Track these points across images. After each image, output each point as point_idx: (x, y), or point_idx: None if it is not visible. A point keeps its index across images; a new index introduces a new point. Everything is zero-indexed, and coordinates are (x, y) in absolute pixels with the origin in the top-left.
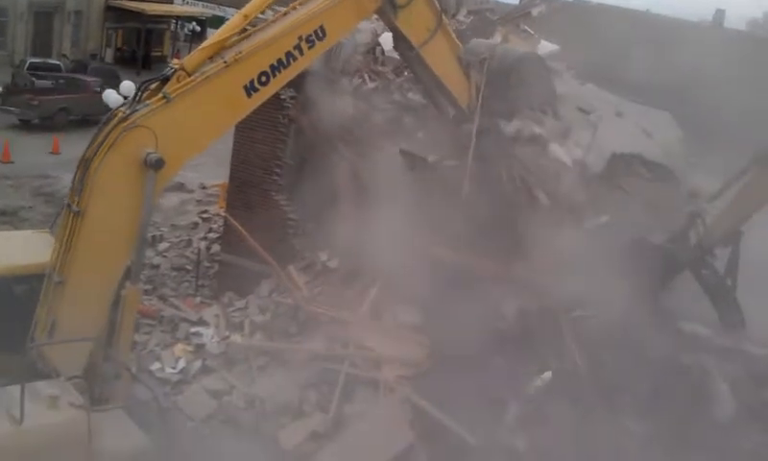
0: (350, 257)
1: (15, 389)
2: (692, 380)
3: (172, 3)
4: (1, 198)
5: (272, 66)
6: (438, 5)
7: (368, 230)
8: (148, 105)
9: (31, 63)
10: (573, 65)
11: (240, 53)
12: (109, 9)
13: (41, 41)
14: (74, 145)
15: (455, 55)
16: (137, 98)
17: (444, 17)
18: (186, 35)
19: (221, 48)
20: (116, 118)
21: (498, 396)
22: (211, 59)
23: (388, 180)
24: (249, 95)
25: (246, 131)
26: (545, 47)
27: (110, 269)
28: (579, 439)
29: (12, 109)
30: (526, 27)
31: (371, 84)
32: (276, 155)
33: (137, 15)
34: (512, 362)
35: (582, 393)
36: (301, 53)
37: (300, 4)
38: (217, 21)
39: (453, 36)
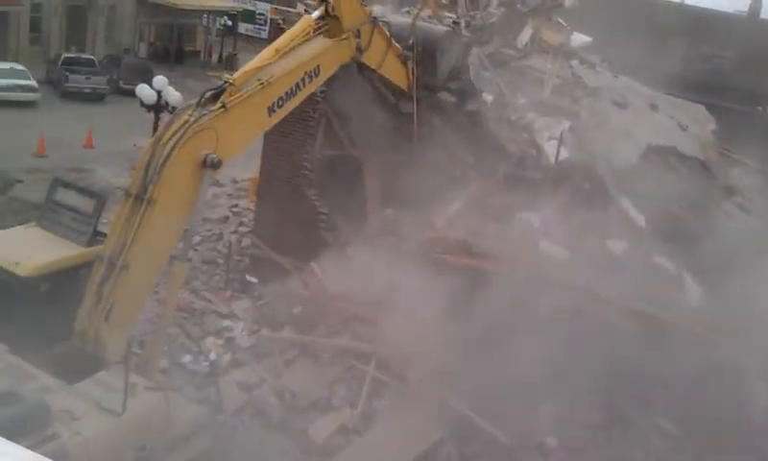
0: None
1: (83, 385)
2: (727, 380)
3: None
4: (34, 191)
5: (286, 93)
6: (387, 31)
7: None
8: (212, 110)
9: (65, 58)
10: (607, 57)
11: (272, 76)
12: (142, 3)
13: (75, 36)
14: (108, 139)
15: (396, 56)
16: (199, 103)
17: (389, 38)
18: (218, 29)
19: (258, 71)
20: (183, 120)
21: (531, 394)
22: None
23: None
24: (269, 114)
25: (276, 125)
26: (578, 39)
27: (165, 255)
28: (611, 440)
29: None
30: (559, 19)
31: None
32: (306, 149)
33: (170, 10)
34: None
35: (615, 393)
36: (304, 85)
37: (304, 43)
38: (248, 15)
39: (395, 45)
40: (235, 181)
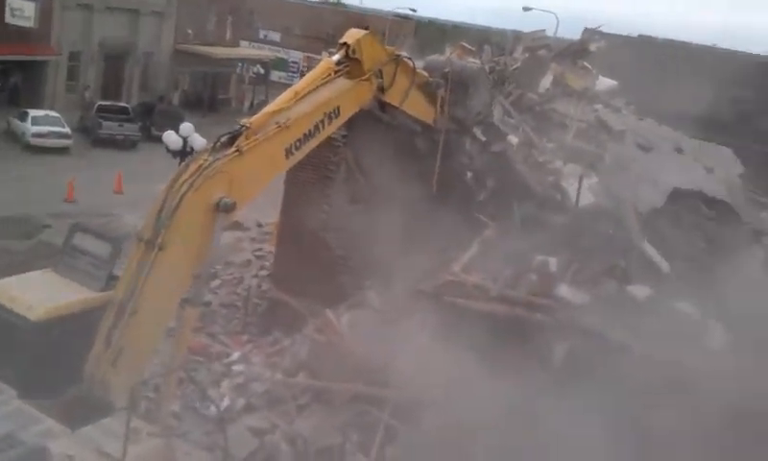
0: (395, 298)
1: (88, 429)
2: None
3: (238, 47)
4: (61, 237)
5: (305, 134)
6: (411, 65)
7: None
8: (226, 154)
9: (99, 106)
10: (633, 101)
11: (289, 119)
12: (178, 52)
13: (112, 84)
14: (137, 185)
15: (422, 92)
16: (214, 147)
17: (413, 70)
18: (251, 77)
19: (276, 114)
20: (197, 164)
21: (544, 442)
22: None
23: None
24: (287, 157)
25: (297, 169)
26: (604, 83)
27: (174, 301)
28: None
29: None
30: (585, 63)
31: None
32: (326, 193)
33: (205, 59)
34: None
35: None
36: (324, 127)
37: (323, 85)
38: (280, 63)
39: (422, 73)
40: (260, 225)
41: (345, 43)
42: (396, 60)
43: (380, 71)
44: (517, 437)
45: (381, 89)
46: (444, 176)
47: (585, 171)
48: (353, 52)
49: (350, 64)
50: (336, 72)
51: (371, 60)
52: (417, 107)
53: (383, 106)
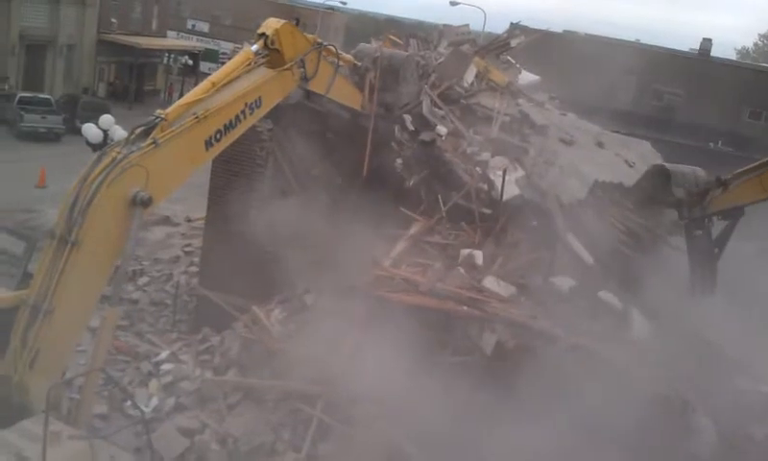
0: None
1: (4, 433)
2: (674, 413)
3: (165, 37)
4: None
5: (225, 125)
6: (334, 50)
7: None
8: (141, 147)
9: (21, 97)
10: (555, 95)
11: (207, 110)
12: (102, 43)
13: (34, 75)
14: (61, 179)
15: (347, 81)
16: (128, 140)
17: (337, 55)
18: (179, 68)
19: (193, 105)
20: (110, 157)
21: (475, 433)
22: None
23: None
24: (207, 148)
25: (223, 163)
26: (526, 77)
27: (92, 299)
28: None
29: None
30: (508, 57)
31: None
32: (254, 187)
33: (130, 49)
34: (490, 397)
35: (564, 426)
36: (245, 117)
37: (244, 74)
38: (210, 54)
39: (347, 57)
40: (189, 220)
41: (263, 34)
42: (319, 47)
43: (302, 60)
44: (448, 429)
45: (305, 79)
46: (375, 164)
47: (511, 164)
48: (272, 43)
49: (271, 54)
50: (257, 61)
51: (291, 50)
52: (343, 93)
53: (309, 94)
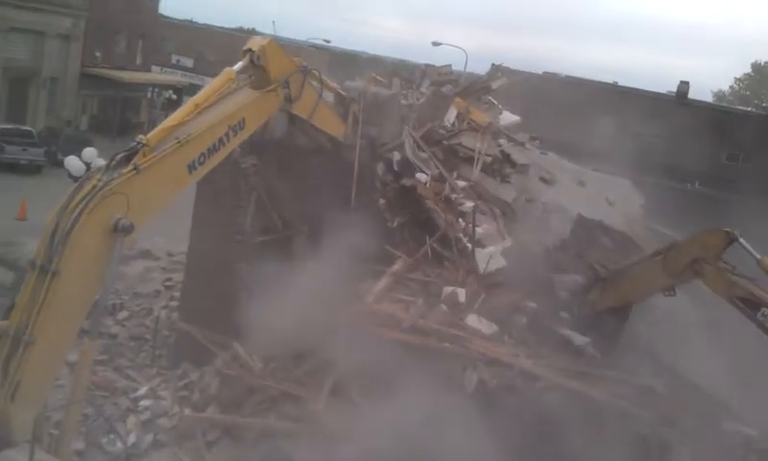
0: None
1: None
2: (653, 453)
3: (149, 71)
4: None
5: (208, 149)
6: (318, 75)
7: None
8: (121, 174)
9: (2, 130)
10: (537, 136)
11: (189, 134)
12: (85, 76)
13: (16, 107)
14: (42, 211)
15: (331, 109)
16: (108, 166)
17: (321, 81)
18: (163, 102)
19: (175, 129)
20: (91, 184)
21: None
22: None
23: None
24: (190, 172)
25: (206, 197)
26: (508, 118)
27: (73, 330)
28: None
29: None
30: (490, 98)
31: None
32: (236, 221)
33: (114, 83)
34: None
35: None
36: (228, 140)
37: (227, 96)
38: (194, 89)
39: (332, 85)
40: (170, 255)
41: (249, 50)
42: (304, 70)
43: (287, 82)
44: None
45: (289, 100)
46: (358, 199)
47: (498, 233)
48: (258, 59)
49: (255, 73)
50: (239, 83)
51: (277, 69)
52: (326, 120)
53: (293, 119)
